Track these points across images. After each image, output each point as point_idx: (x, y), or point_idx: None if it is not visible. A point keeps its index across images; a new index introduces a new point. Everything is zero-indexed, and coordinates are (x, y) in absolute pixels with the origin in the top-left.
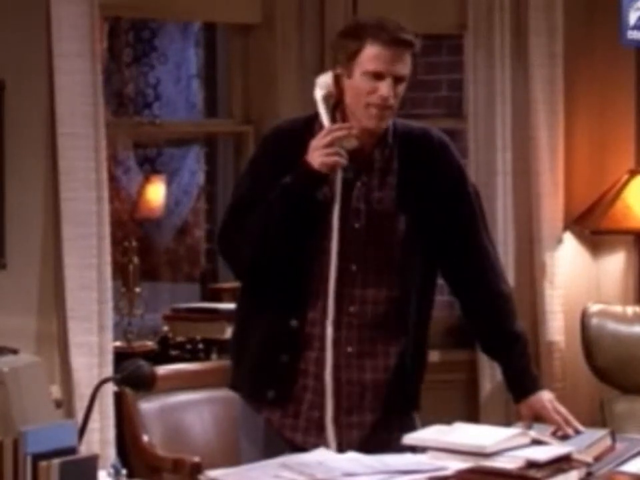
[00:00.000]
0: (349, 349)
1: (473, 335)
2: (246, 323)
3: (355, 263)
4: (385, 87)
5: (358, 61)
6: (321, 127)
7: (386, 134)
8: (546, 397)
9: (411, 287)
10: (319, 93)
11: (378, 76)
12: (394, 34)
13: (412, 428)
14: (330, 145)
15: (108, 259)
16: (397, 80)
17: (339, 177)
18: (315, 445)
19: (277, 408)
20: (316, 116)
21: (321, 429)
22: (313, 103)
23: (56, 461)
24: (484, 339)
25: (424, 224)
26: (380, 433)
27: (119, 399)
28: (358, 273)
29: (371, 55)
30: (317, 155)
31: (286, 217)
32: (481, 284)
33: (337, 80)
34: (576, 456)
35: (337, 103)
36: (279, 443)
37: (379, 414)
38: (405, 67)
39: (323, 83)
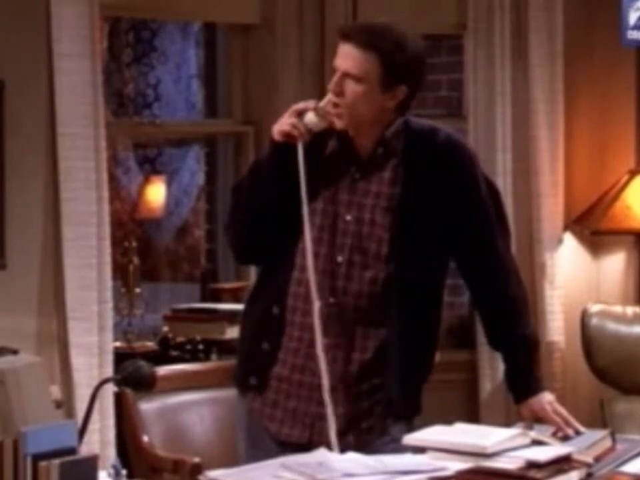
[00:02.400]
0: (325, 340)
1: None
2: (245, 314)
3: (341, 254)
4: (331, 82)
5: None
6: None
7: (386, 130)
8: (546, 398)
9: (399, 285)
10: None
11: (333, 71)
12: (343, 28)
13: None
14: (288, 116)
15: (108, 259)
16: (346, 76)
17: (300, 154)
18: (299, 439)
19: (257, 395)
20: None
21: (302, 422)
22: None
23: (56, 461)
24: (489, 337)
25: (427, 222)
26: (354, 429)
27: (119, 399)
28: (343, 265)
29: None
30: (276, 125)
31: (254, 192)
32: (489, 286)
33: None
34: (576, 456)
35: None
36: (260, 433)
37: (351, 407)
38: (348, 63)
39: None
